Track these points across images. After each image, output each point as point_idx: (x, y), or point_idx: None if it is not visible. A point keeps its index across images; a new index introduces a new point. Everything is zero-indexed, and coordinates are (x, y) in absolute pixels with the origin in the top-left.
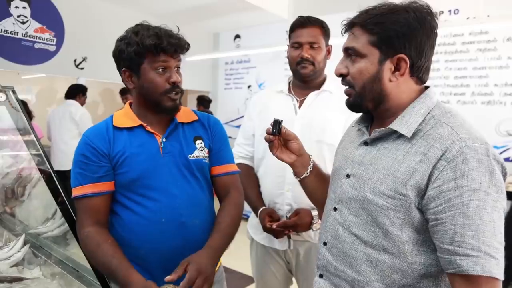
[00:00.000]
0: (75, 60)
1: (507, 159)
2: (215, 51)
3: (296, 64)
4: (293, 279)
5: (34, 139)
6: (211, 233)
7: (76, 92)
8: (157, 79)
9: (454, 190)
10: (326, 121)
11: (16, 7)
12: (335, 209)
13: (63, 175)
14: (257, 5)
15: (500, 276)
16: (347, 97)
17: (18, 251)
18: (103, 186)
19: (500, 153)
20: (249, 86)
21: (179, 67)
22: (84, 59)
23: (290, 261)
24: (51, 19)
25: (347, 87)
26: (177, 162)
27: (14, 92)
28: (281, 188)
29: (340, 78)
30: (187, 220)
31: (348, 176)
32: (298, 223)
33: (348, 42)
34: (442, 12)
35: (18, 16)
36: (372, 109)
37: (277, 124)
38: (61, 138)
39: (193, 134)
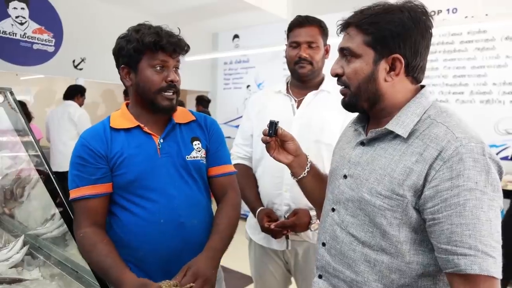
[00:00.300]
0: (73, 61)
1: (505, 158)
2: (214, 51)
3: (294, 63)
4: (292, 279)
5: (33, 140)
6: (210, 235)
7: (75, 93)
8: (154, 77)
9: (451, 190)
10: (324, 121)
11: (15, 8)
12: (333, 209)
13: (62, 176)
14: (255, 5)
15: (498, 274)
16: (342, 97)
17: (17, 252)
18: (101, 188)
19: (499, 152)
20: (248, 86)
21: (178, 68)
22: (82, 60)
23: (288, 261)
24: (49, 20)
25: (343, 87)
26: (174, 162)
27: (12, 93)
28: (279, 189)
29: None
30: (186, 220)
31: (345, 176)
32: (296, 223)
33: (343, 42)
34: (441, 11)
35: (17, 17)
36: (368, 109)
37: (273, 125)
38: (60, 139)
39: (190, 134)
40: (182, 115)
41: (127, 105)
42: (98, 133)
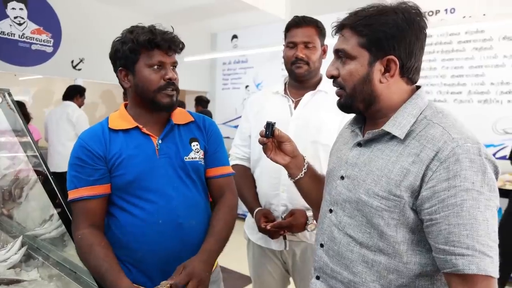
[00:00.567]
0: (72, 62)
1: (503, 157)
2: (213, 51)
3: (291, 64)
4: (291, 279)
5: (31, 141)
6: (206, 237)
7: (74, 94)
8: (152, 76)
9: (448, 190)
10: (321, 122)
11: (13, 8)
12: (330, 211)
13: (60, 177)
14: (254, 5)
15: (495, 274)
16: (338, 98)
17: (16, 253)
18: (99, 189)
19: (497, 151)
20: (246, 86)
21: (175, 66)
22: (81, 60)
23: (286, 261)
24: (48, 20)
25: (338, 88)
26: (173, 163)
27: (10, 94)
28: (277, 189)
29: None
30: (184, 221)
31: (342, 177)
32: (293, 223)
33: (338, 44)
34: (439, 11)
35: (15, 18)
36: (363, 110)
37: (270, 126)
38: (58, 139)
39: (189, 135)
40: (180, 116)
41: (125, 106)
42: (96, 134)
